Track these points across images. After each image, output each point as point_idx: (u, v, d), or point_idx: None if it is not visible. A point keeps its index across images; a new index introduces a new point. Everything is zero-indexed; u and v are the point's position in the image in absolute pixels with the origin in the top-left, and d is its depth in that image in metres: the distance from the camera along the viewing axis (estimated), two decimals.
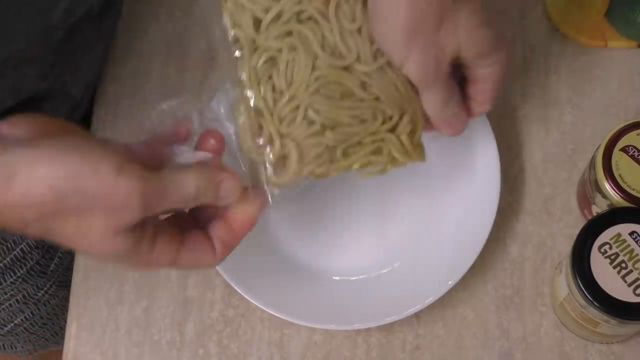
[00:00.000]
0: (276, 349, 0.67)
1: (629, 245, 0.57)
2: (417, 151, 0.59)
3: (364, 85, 0.57)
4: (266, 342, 0.67)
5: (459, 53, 0.54)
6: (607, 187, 0.61)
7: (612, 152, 0.61)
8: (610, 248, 0.57)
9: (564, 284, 0.60)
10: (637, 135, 0.61)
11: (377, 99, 0.57)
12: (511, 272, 0.67)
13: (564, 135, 0.70)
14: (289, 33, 0.56)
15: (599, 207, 0.63)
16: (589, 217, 0.65)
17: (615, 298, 0.56)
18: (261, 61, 0.56)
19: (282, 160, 0.57)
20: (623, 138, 0.61)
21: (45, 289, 0.83)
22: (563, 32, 0.72)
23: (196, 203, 0.49)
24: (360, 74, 0.57)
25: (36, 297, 0.83)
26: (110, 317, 0.69)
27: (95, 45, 0.69)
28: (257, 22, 0.56)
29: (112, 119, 0.73)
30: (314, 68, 0.56)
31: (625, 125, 0.61)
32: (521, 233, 0.68)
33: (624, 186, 0.60)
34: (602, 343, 0.65)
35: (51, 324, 0.88)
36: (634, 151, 0.61)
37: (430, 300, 0.64)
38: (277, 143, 0.56)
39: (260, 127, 0.56)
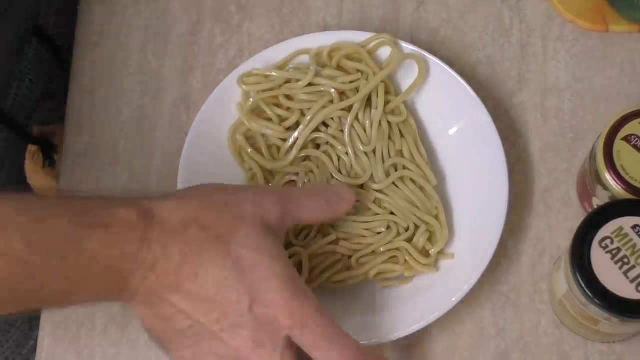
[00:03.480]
0: None
1: (631, 240, 0.56)
2: (430, 260, 0.63)
3: (378, 201, 0.64)
4: None
5: None
6: (609, 178, 0.60)
7: (614, 141, 0.60)
8: (612, 242, 0.56)
9: (563, 281, 0.60)
10: None
11: (391, 213, 0.64)
12: (507, 267, 0.66)
13: (563, 123, 0.69)
14: (306, 158, 0.65)
15: (600, 199, 0.62)
16: (589, 210, 0.64)
17: (616, 295, 0.55)
18: (280, 184, 0.64)
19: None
20: (625, 127, 0.60)
21: None
22: (562, 15, 0.71)
23: (325, 207, 0.58)
24: (374, 192, 0.64)
25: None
26: (86, 314, 0.67)
27: None
28: (271, 149, 0.66)
29: (88, 109, 0.72)
30: None
31: (628, 113, 0.60)
32: (518, 227, 0.67)
33: (626, 177, 0.59)
34: (603, 342, 0.64)
35: None
36: (637, 140, 0.60)
37: (417, 326, 0.62)
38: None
39: None
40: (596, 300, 0.55)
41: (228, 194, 0.54)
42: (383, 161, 0.64)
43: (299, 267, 0.63)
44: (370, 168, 0.64)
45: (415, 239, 0.64)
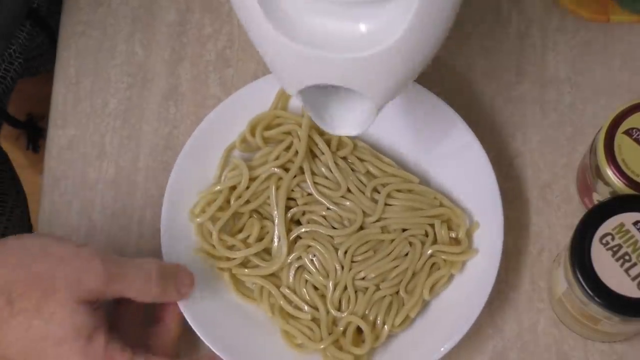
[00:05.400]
0: None
1: (632, 236, 0.56)
2: (464, 244, 0.63)
3: (385, 229, 0.64)
4: None
5: None
6: (609, 173, 0.59)
7: (615, 135, 0.59)
8: (613, 239, 0.56)
9: (563, 278, 0.59)
10: None
11: (403, 230, 0.64)
12: (505, 265, 0.65)
13: (562, 117, 0.69)
14: (297, 238, 0.63)
15: (601, 194, 0.62)
16: (590, 206, 0.64)
17: (617, 293, 0.55)
18: (291, 276, 0.63)
19: (357, 335, 0.62)
20: (626, 120, 0.60)
21: None
22: (562, 5, 0.71)
23: (157, 291, 0.56)
24: (374, 224, 0.63)
25: None
26: None
27: None
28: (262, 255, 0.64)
29: (74, 100, 0.71)
30: (335, 247, 0.63)
31: (629, 106, 0.60)
32: (516, 223, 0.66)
33: (627, 172, 0.59)
34: (603, 342, 0.64)
35: None
36: (638, 134, 0.59)
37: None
38: (340, 326, 0.62)
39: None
40: (597, 299, 0.55)
41: (47, 263, 0.53)
42: (363, 193, 0.64)
43: (359, 334, 0.62)
44: (357, 206, 0.63)
45: (438, 237, 0.63)
